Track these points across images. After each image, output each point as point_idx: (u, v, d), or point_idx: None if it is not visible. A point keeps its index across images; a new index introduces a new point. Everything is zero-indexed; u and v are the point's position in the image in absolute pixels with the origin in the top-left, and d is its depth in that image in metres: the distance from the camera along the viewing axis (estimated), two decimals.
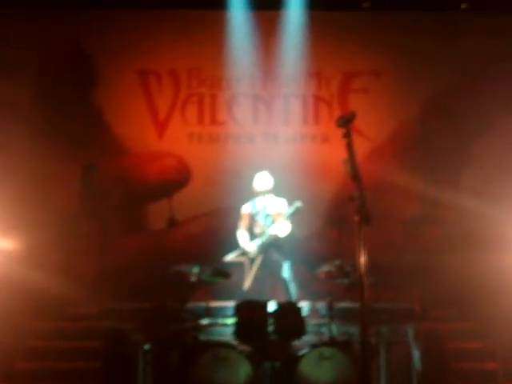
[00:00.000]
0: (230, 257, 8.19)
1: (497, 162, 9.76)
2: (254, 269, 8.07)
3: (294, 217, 8.12)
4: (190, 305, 7.48)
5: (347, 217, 7.10)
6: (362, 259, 4.18)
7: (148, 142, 10.07)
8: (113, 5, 9.94)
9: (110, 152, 9.91)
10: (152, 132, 10.11)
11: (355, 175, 4.17)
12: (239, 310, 7.08)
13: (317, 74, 10.18)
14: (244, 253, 8.20)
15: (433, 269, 9.32)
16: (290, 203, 8.21)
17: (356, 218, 4.09)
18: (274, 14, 10.01)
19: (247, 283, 8.03)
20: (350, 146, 4.23)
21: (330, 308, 7.12)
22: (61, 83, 10.05)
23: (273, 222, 8.24)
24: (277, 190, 8.43)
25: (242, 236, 8.32)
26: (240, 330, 6.98)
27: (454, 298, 8.94)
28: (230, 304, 7.64)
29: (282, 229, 8.13)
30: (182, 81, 10.23)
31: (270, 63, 10.11)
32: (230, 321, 7.32)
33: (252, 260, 8.14)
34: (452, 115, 10.03)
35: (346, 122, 4.28)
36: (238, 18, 10.06)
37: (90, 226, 9.46)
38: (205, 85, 10.24)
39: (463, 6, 10.01)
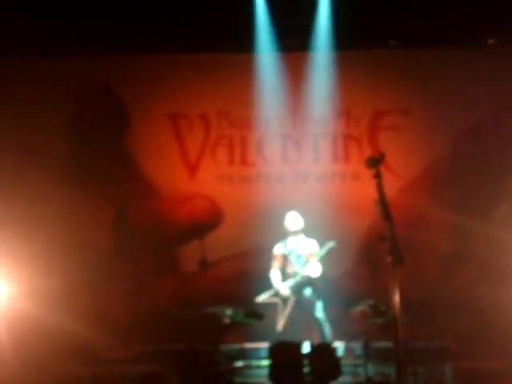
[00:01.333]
0: (262, 297, 8.17)
1: None
2: (288, 309, 8.05)
3: (327, 256, 8.10)
4: (224, 347, 7.47)
5: (380, 255, 7.09)
6: (397, 298, 4.15)
7: (179, 184, 10.13)
8: (144, 50, 10.06)
9: (142, 194, 9.98)
10: (183, 174, 10.17)
11: (386, 215, 4.16)
12: (273, 352, 7.06)
13: (346, 112, 10.19)
14: (277, 293, 8.17)
15: (467, 305, 9.20)
16: (321, 243, 8.20)
17: (389, 259, 4.07)
18: (301, 54, 10.07)
19: (280, 324, 8.00)
20: (380, 186, 4.24)
21: (366, 348, 7.05)
22: (94, 127, 10.18)
23: (305, 263, 8.23)
24: (308, 230, 8.43)
25: (275, 276, 8.31)
26: (275, 372, 6.95)
27: (491, 335, 8.80)
28: (264, 345, 7.61)
29: (315, 270, 8.12)
30: (212, 123, 10.30)
31: (299, 103, 10.15)
32: (265, 363, 7.29)
33: (285, 300, 8.11)
34: (481, 150, 9.97)
35: (376, 162, 4.29)
36: (266, 59, 10.13)
37: (123, 269, 9.50)
38: (234, 126, 10.30)
39: (490, 41, 9.98)
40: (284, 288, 8.16)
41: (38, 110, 9.88)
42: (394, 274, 4.11)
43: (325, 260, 8.12)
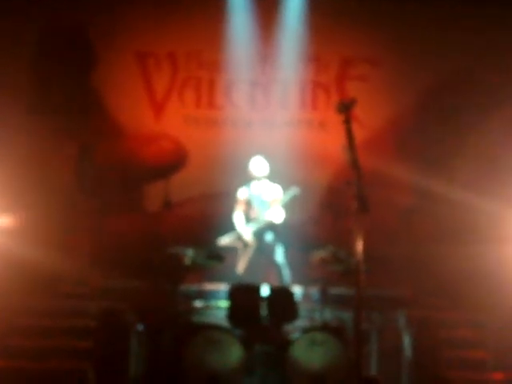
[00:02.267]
0: (224, 240, 8.22)
1: (491, 155, 9.79)
2: (249, 253, 8.12)
3: (290, 202, 8.15)
4: (184, 287, 7.53)
5: (343, 203, 7.16)
6: (359, 246, 4.20)
7: (145, 123, 10.07)
8: None
9: (107, 133, 9.91)
10: (149, 114, 10.10)
11: (354, 162, 4.17)
12: (232, 294, 7.13)
13: (315, 59, 10.17)
14: (239, 237, 8.23)
15: (426, 259, 9.36)
16: (286, 188, 8.24)
17: (354, 205, 4.10)
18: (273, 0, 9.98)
19: (241, 267, 8.08)
20: (349, 133, 4.23)
21: (323, 293, 7.17)
22: (60, 63, 10.03)
23: (268, 208, 8.28)
24: (272, 176, 8.45)
25: (238, 220, 8.35)
26: (233, 314, 7.03)
27: (446, 288, 8.99)
28: (224, 287, 7.69)
29: (278, 215, 8.17)
30: (181, 64, 10.21)
31: (269, 49, 10.10)
32: (223, 304, 7.37)
33: (246, 245, 8.18)
34: (448, 107, 10.04)
35: (346, 107, 4.27)
36: (239, 2, 10.03)
37: (87, 205, 9.47)
38: (203, 68, 10.22)
39: None
40: (247, 232, 8.21)
41: (3, 42, 9.64)
42: (357, 221, 4.15)
43: (288, 206, 8.17)
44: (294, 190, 8.12)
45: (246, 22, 10.04)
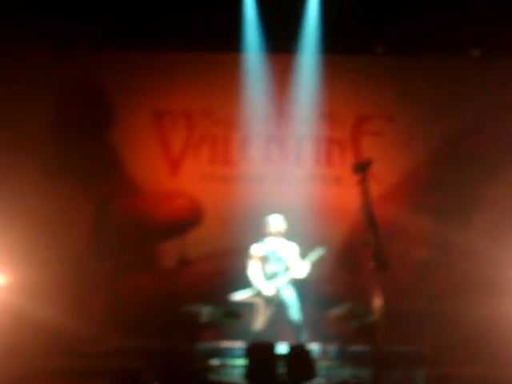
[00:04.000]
0: (241, 296, 8.18)
1: (507, 202, 9.75)
2: (269, 310, 8.08)
3: (316, 263, 8.15)
4: (201, 345, 7.48)
5: (359, 259, 7.13)
6: (378, 303, 4.18)
7: (161, 181, 10.13)
8: (129, 46, 10.05)
9: (123, 191, 9.96)
10: (165, 172, 10.16)
11: (371, 222, 4.17)
12: (249, 352, 7.07)
13: (330, 115, 10.23)
14: (258, 293, 8.19)
15: (444, 313, 9.27)
16: (302, 244, 8.24)
17: (371, 265, 4.09)
18: (288, 56, 10.10)
19: (259, 324, 8.02)
20: (365, 193, 4.24)
21: (341, 351, 7.11)
22: (75, 123, 10.15)
23: (285, 265, 8.27)
24: (288, 231, 8.46)
25: (257, 277, 8.31)
26: (250, 372, 6.96)
27: (466, 343, 8.88)
28: (240, 345, 7.63)
29: (303, 271, 8.14)
30: (196, 121, 10.30)
31: (284, 104, 10.17)
32: (240, 362, 7.31)
33: (268, 302, 8.13)
34: (462, 158, 10.04)
35: (363, 168, 4.29)
36: (253, 60, 10.15)
37: (101, 265, 9.46)
38: (218, 125, 10.30)
39: (475, 52, 10.08)
40: (269, 288, 8.17)
41: (21, 103, 9.79)
42: (375, 280, 4.13)
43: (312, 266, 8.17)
44: (321, 250, 8.13)
45: (261, 79, 10.13)
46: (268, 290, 8.16)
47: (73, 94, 10.22)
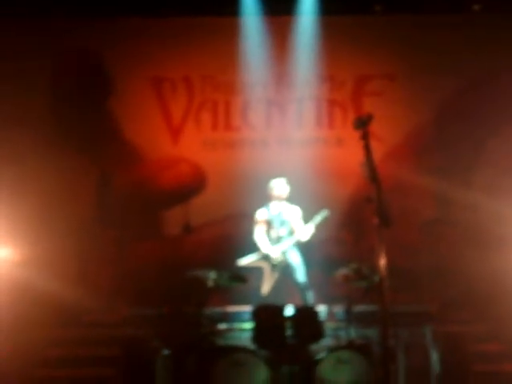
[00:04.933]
0: (247, 261, 8.19)
1: (510, 159, 9.73)
2: (276, 273, 8.10)
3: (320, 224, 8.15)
4: (208, 310, 7.51)
5: (363, 220, 7.13)
6: (383, 262, 4.17)
7: (163, 148, 10.11)
8: (126, 13, 9.98)
9: (125, 160, 9.94)
10: (167, 139, 10.14)
11: (374, 177, 4.15)
12: (256, 315, 7.11)
13: (330, 77, 10.18)
14: (265, 257, 8.20)
15: (450, 270, 9.31)
16: (306, 208, 8.24)
17: (375, 221, 4.07)
18: (286, 19, 10.01)
19: (266, 288, 8.04)
20: (367, 148, 4.22)
21: (348, 312, 7.13)
22: (74, 93, 10.12)
23: (290, 228, 8.27)
24: (292, 195, 8.45)
25: (262, 240, 8.32)
26: (258, 335, 7.01)
27: (471, 300, 8.92)
28: (247, 309, 7.66)
29: (307, 233, 8.14)
30: (196, 87, 10.25)
31: (283, 68, 10.11)
32: (248, 326, 7.35)
33: (274, 265, 8.14)
34: (465, 116, 10.00)
35: (363, 123, 4.27)
36: (251, 23, 10.08)
37: (106, 234, 9.46)
38: (218, 91, 10.26)
39: (475, 7, 9.97)
40: (276, 252, 8.18)
41: (19, 70, 9.74)
42: (380, 237, 4.12)
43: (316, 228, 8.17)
44: (325, 212, 8.12)
45: (260, 42, 10.07)
46: (274, 253, 8.16)
47: (70, 63, 10.18)
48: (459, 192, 9.57)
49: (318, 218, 8.13)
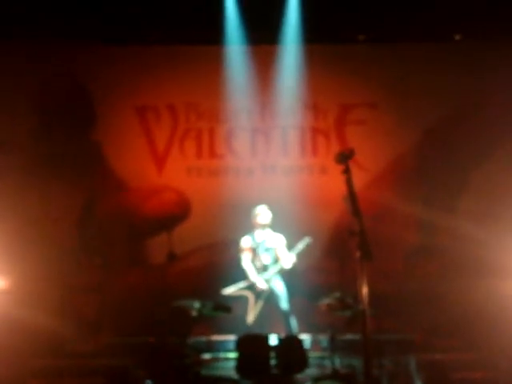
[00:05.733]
0: (232, 290, 8.18)
1: (493, 187, 9.79)
2: (261, 303, 8.08)
3: (302, 253, 8.16)
4: (192, 339, 7.48)
5: (347, 249, 7.14)
6: (365, 292, 4.20)
7: (147, 176, 10.10)
8: (111, 41, 10.02)
9: (109, 187, 9.93)
10: (151, 167, 10.13)
11: (356, 211, 4.20)
12: (241, 345, 7.09)
13: (314, 106, 10.23)
14: (249, 287, 8.19)
15: (434, 298, 9.31)
16: (290, 235, 8.25)
17: (357, 254, 4.11)
18: (269, 48, 10.09)
19: (251, 317, 8.02)
20: (349, 182, 4.27)
21: (332, 340, 7.12)
22: (59, 119, 10.11)
23: (274, 256, 8.28)
24: (275, 223, 8.47)
25: (250, 269, 8.31)
26: (242, 365, 6.98)
27: (456, 328, 8.92)
28: (232, 338, 7.64)
29: (290, 261, 8.15)
30: (180, 115, 10.28)
31: (268, 96, 10.16)
32: (232, 355, 7.32)
33: (259, 294, 8.13)
34: (448, 144, 10.06)
35: (345, 158, 4.32)
36: (235, 52, 10.13)
37: (89, 262, 9.41)
38: (203, 119, 10.29)
39: (457, 37, 10.10)
40: (261, 281, 8.17)
41: (4, 98, 9.77)
42: (362, 269, 4.15)
43: (299, 256, 8.18)
44: (307, 240, 8.14)
45: (244, 71, 10.13)
46: (261, 283, 8.15)
47: (55, 89, 10.17)
48: (444, 219, 9.63)
49: (300, 246, 8.15)
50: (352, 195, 4.23)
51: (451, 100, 10.13)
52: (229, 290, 8.18)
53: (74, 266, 9.38)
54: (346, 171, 4.31)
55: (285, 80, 10.13)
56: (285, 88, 10.13)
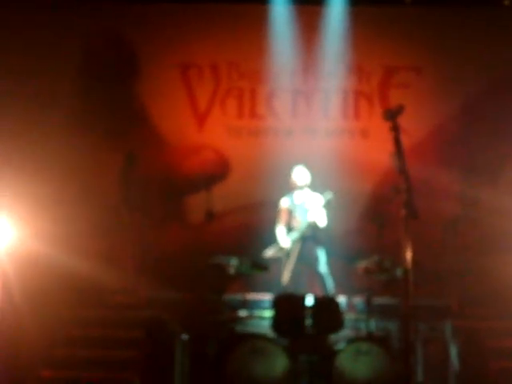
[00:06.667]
0: (268, 253, 8.21)
1: None
2: (291, 262, 8.10)
3: (329, 208, 8.13)
4: (228, 296, 7.56)
5: (386, 212, 7.11)
6: (408, 255, 4.18)
7: (188, 134, 10.13)
8: None
9: (150, 143, 9.96)
10: (192, 125, 10.15)
11: (403, 169, 4.16)
12: (277, 304, 7.14)
13: (357, 68, 10.13)
14: (281, 248, 8.22)
15: (471, 269, 9.24)
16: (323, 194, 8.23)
17: (402, 212, 4.07)
18: (315, 8, 9.99)
19: (285, 277, 8.06)
20: (397, 140, 4.22)
21: (368, 303, 7.14)
22: (102, 75, 10.15)
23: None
24: (314, 185, 8.45)
25: (280, 232, 8.34)
26: (277, 323, 7.04)
27: (492, 298, 8.85)
28: (268, 297, 7.70)
29: (320, 217, 8.13)
30: (222, 74, 10.25)
31: (311, 58, 10.08)
32: (268, 314, 7.39)
33: (288, 254, 8.15)
34: (491, 114, 9.92)
35: (394, 115, 4.26)
36: (279, 12, 10.05)
37: (130, 217, 9.50)
38: (245, 79, 10.25)
39: (506, 2, 9.89)
40: (287, 241, 8.20)
41: (47, 56, 9.83)
42: (406, 229, 4.12)
43: (328, 213, 8.15)
44: (328, 194, 8.10)
45: (288, 31, 10.05)
46: (285, 244, 8.17)
47: (98, 45, 10.21)
48: (485, 192, 9.50)
49: (323, 201, 8.11)
50: (400, 153, 4.18)
51: (496, 68, 9.95)
52: (269, 252, 8.21)
53: (116, 218, 9.46)
54: (394, 129, 4.25)
55: (329, 42, 10.04)
56: (328, 50, 10.04)
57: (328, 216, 8.21)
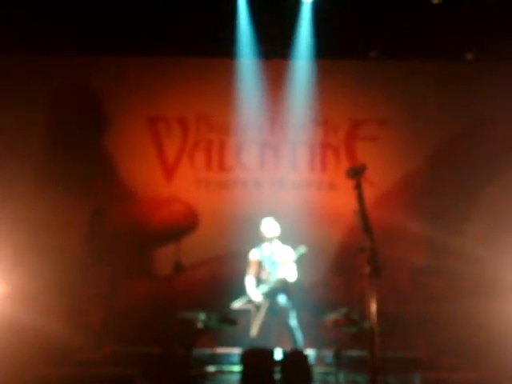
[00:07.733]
0: (237, 304, 8.17)
1: (503, 208, 9.77)
2: (261, 315, 8.05)
3: (300, 263, 8.13)
4: (197, 351, 7.47)
5: (354, 264, 7.14)
6: (373, 308, 4.19)
7: (156, 187, 10.13)
8: (124, 52, 10.07)
9: (118, 197, 9.94)
10: (160, 178, 10.17)
11: (366, 227, 4.20)
12: (245, 358, 7.07)
13: (324, 121, 10.25)
14: (250, 300, 8.18)
15: (440, 317, 9.27)
16: (295, 249, 8.24)
17: (366, 269, 4.11)
18: (281, 62, 10.13)
19: (254, 330, 8.00)
20: (360, 198, 4.27)
21: (337, 356, 7.10)
22: (71, 128, 10.16)
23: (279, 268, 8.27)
24: (283, 237, 8.46)
25: (249, 283, 8.32)
26: (246, 378, 6.96)
27: (461, 347, 8.87)
28: (237, 351, 7.63)
29: (290, 272, 8.13)
30: (191, 127, 10.31)
31: (278, 110, 10.19)
32: (237, 368, 7.31)
33: (258, 307, 8.11)
34: (458, 163, 10.05)
35: (357, 173, 4.32)
36: (246, 66, 10.17)
37: (97, 271, 9.41)
38: (213, 131, 10.32)
39: (468, 56, 10.12)
40: (257, 295, 8.17)
41: (17, 107, 9.85)
42: (371, 285, 4.15)
43: (300, 267, 8.15)
44: (302, 249, 8.10)
45: (255, 84, 10.16)
46: (255, 296, 8.14)
47: (66, 100, 10.24)
48: (452, 240, 9.57)
49: (295, 255, 8.12)
50: (363, 211, 4.23)
51: (461, 117, 10.13)
52: (237, 304, 8.17)
53: (82, 274, 9.37)
54: (357, 186, 4.31)
55: (295, 95, 10.16)
56: (295, 103, 10.16)
57: (298, 269, 8.20)
